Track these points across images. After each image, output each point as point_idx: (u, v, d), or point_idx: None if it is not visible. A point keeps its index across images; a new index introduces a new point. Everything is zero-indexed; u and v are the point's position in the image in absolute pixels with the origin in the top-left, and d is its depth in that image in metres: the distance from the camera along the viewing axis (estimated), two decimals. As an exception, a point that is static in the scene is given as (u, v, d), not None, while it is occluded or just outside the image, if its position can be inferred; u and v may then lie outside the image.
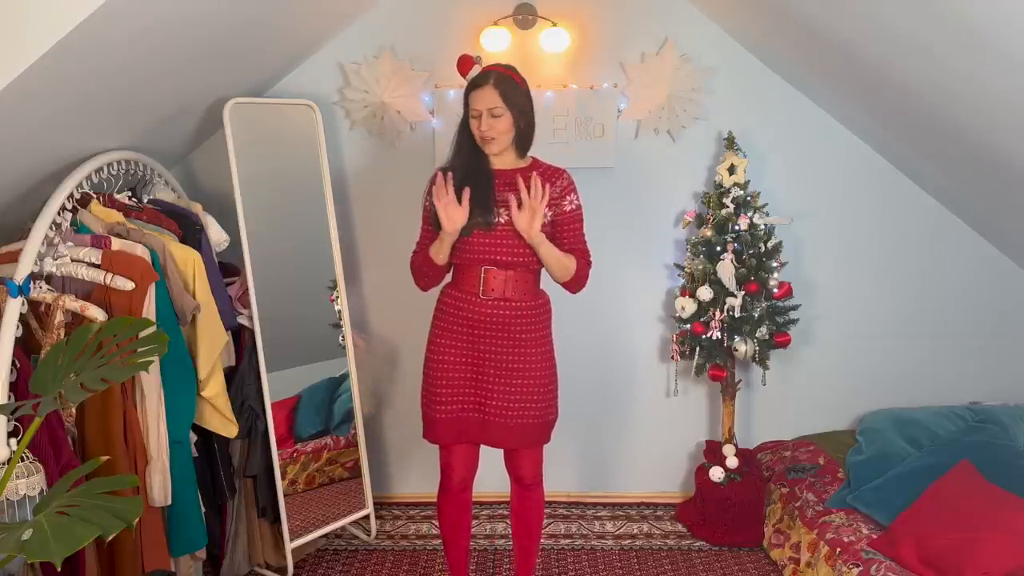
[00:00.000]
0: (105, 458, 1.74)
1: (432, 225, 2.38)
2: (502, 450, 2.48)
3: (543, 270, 2.41)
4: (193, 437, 2.47)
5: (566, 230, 2.39)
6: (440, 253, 2.34)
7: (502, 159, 2.37)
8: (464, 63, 2.35)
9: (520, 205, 2.26)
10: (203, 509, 2.50)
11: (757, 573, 2.91)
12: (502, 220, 2.30)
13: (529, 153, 2.42)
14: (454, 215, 2.26)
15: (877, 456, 2.93)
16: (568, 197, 2.38)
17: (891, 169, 3.26)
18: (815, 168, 3.26)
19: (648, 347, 3.40)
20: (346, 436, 3.09)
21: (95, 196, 2.43)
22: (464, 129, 2.36)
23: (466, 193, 2.27)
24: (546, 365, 2.41)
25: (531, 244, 2.29)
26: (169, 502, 2.29)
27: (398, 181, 3.22)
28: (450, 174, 2.29)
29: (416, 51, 3.17)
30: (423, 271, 2.42)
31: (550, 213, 2.35)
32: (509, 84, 2.29)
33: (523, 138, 2.35)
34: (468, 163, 2.34)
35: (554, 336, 2.48)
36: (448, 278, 2.47)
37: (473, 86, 2.30)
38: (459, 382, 2.37)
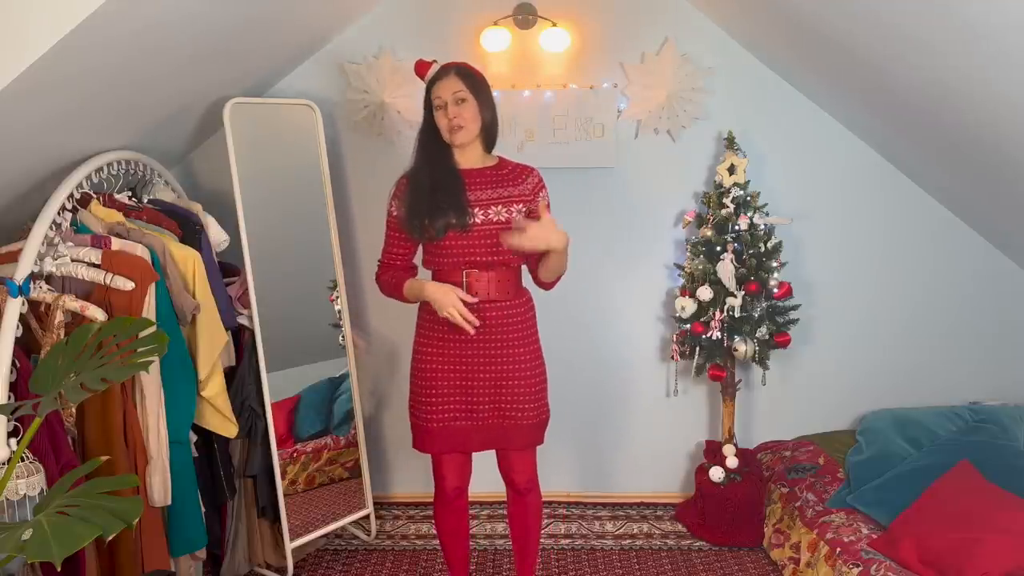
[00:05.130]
0: (105, 458, 1.73)
1: (400, 231, 2.36)
2: (496, 456, 2.47)
3: (523, 267, 2.39)
4: (193, 437, 2.47)
5: None
6: (415, 299, 2.34)
7: (468, 156, 2.34)
8: (421, 66, 2.35)
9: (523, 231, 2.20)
10: (203, 509, 2.50)
11: (757, 573, 2.91)
12: (477, 220, 2.27)
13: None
14: (449, 300, 2.24)
15: (877, 456, 2.93)
16: (541, 193, 2.37)
17: (891, 169, 3.25)
18: (815, 168, 3.26)
19: (648, 347, 3.40)
20: (346, 436, 3.08)
21: (95, 196, 2.43)
22: (426, 131, 2.33)
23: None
24: (535, 365, 2.38)
25: (560, 252, 2.25)
26: (169, 502, 2.29)
27: (398, 181, 3.22)
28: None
29: (416, 51, 3.14)
30: (390, 293, 2.42)
31: (525, 209, 2.32)
32: (471, 73, 2.30)
33: (489, 131, 2.33)
34: (434, 164, 2.31)
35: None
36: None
37: (435, 80, 2.29)
38: (449, 390, 2.34)
